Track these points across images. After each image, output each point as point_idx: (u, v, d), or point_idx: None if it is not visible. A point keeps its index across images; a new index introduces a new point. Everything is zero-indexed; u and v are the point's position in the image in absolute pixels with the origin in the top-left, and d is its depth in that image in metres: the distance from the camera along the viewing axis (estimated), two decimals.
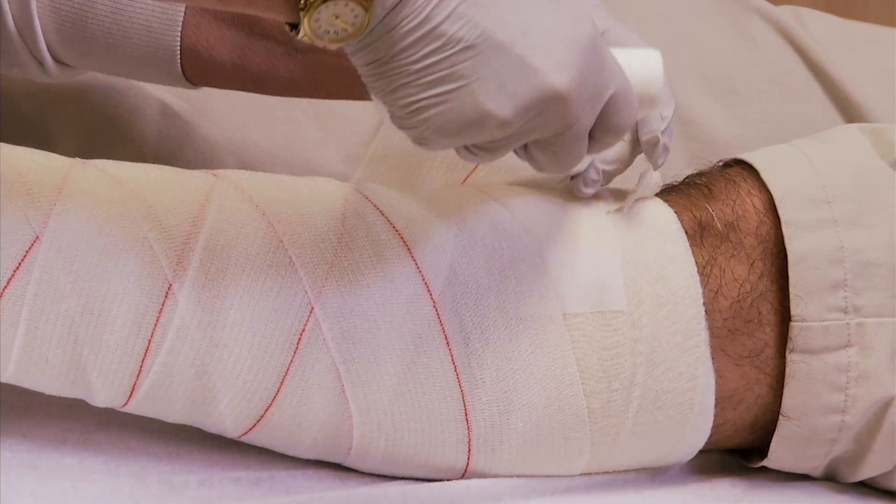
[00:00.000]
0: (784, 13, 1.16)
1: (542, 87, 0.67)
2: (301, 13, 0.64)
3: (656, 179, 0.87)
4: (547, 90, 0.67)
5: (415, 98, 0.67)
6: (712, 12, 1.16)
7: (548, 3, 0.67)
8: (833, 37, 1.16)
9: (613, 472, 0.87)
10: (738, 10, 1.16)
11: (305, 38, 0.66)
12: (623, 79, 0.74)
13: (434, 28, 0.65)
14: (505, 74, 0.66)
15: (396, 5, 0.65)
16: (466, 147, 0.72)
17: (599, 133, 0.74)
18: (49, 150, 0.87)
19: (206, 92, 1.01)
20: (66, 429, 0.89)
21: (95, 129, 1.11)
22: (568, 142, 0.72)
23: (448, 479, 0.85)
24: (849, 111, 1.12)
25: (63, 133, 1.11)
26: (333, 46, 0.66)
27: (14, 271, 0.80)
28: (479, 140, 0.71)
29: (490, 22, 0.65)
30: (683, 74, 1.12)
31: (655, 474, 0.89)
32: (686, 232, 0.86)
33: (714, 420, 0.86)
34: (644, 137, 0.85)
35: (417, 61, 0.65)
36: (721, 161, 0.92)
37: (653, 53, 0.79)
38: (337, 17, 0.64)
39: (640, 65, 0.78)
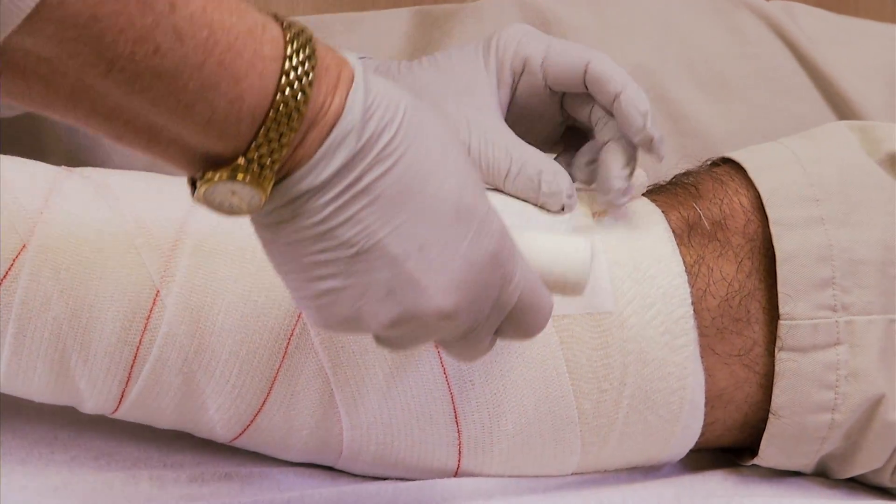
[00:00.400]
0: (775, 8, 1.15)
1: (427, 307, 0.64)
2: (198, 181, 0.61)
3: (642, 179, 0.87)
4: (431, 311, 0.64)
5: (301, 288, 0.64)
6: (703, 8, 1.15)
7: (453, 217, 0.64)
8: (824, 32, 1.15)
9: (605, 471, 0.88)
10: (728, 5, 1.15)
11: (198, 203, 0.62)
12: (533, 287, 0.69)
13: (330, 230, 0.62)
14: (394, 285, 0.63)
15: (298, 198, 0.62)
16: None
17: (506, 331, 0.70)
18: (37, 145, 0.87)
19: None
20: (58, 425, 0.89)
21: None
22: (467, 345, 0.69)
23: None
24: (840, 107, 1.11)
25: (52, 129, 1.10)
26: (227, 216, 0.63)
27: (1, 280, 0.79)
28: (367, 333, 0.67)
29: (388, 233, 0.62)
30: (674, 69, 1.12)
31: (648, 470, 0.89)
32: (674, 231, 0.86)
33: (704, 419, 0.86)
34: (636, 140, 0.84)
35: (309, 256, 0.63)
36: (708, 160, 0.92)
37: (581, 242, 0.74)
38: (234, 194, 0.61)
39: (568, 254, 0.73)
